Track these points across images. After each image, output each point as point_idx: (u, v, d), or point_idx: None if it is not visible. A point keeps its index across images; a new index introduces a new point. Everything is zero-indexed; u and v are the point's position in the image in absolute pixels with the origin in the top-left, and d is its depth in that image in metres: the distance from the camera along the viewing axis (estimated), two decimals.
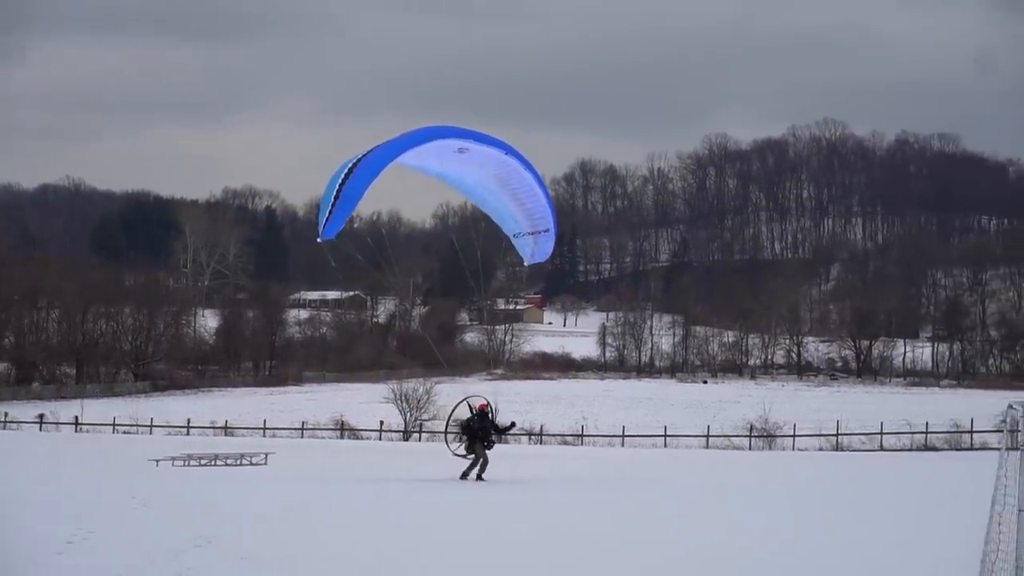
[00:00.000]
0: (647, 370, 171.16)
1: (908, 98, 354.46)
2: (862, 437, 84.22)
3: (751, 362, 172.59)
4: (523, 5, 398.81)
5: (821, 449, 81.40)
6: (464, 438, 38.67)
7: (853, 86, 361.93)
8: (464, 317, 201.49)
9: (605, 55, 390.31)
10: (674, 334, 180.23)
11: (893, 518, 31.70)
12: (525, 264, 32.04)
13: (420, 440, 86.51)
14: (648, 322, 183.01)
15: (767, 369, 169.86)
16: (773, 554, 24.23)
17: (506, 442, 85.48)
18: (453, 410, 40.42)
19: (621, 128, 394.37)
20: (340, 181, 25.57)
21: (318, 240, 26.41)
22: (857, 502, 36.65)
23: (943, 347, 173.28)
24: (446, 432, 40.22)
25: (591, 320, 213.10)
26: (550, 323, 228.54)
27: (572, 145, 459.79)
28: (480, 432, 38.07)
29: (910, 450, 79.85)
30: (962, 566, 19.76)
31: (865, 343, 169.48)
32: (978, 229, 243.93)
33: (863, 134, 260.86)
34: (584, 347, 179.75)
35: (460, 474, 38.44)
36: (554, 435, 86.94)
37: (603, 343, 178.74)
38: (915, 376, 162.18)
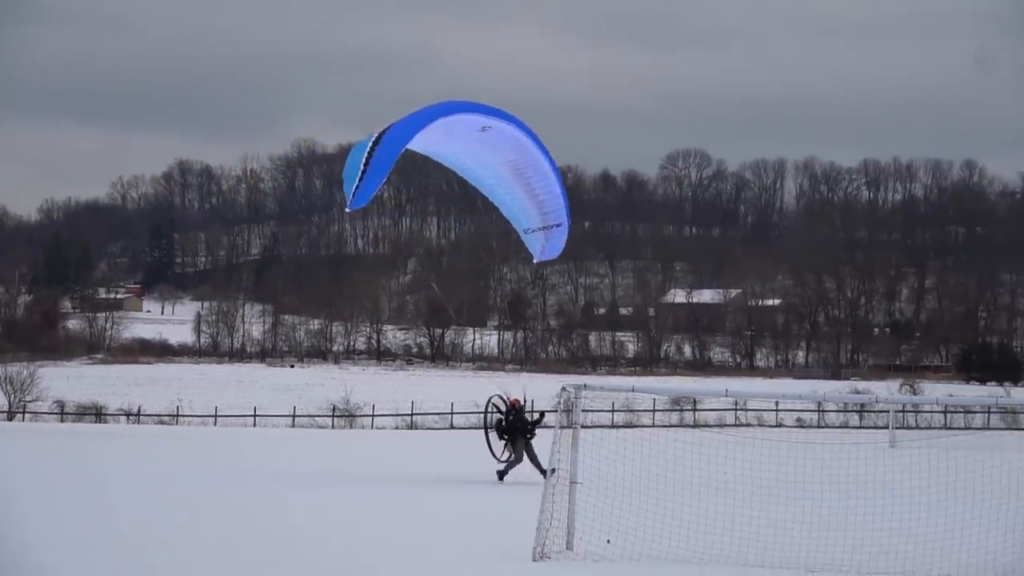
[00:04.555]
0: (239, 355, 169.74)
1: None
2: (435, 416, 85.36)
3: (335, 348, 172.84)
4: (116, 16, 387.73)
5: (397, 428, 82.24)
6: (505, 440, 34.74)
7: (423, 96, 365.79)
8: (67, 305, 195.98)
9: (195, 63, 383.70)
10: (264, 322, 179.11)
11: (458, 491, 32.23)
12: (534, 260, 27.99)
13: (24, 420, 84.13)
14: (240, 311, 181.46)
15: (349, 354, 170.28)
16: (347, 529, 24.36)
17: (106, 421, 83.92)
18: (486, 416, 36.13)
19: (216, 131, 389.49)
20: (369, 149, 22.91)
21: (347, 210, 23.93)
22: (426, 477, 37.16)
23: (508, 335, 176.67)
24: (488, 439, 35.01)
25: (188, 309, 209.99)
26: (148, 311, 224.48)
27: (170, 147, 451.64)
28: (519, 428, 34.54)
29: (478, 428, 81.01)
30: (521, 531, 20.24)
31: (438, 331, 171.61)
32: None
33: None
34: (180, 334, 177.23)
35: (532, 473, 33.70)
36: (151, 415, 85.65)
37: (198, 330, 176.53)
38: (483, 361, 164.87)
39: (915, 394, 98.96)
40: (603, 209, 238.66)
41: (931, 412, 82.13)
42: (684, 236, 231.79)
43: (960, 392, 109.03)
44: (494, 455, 34.70)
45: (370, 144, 22.90)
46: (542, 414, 36.87)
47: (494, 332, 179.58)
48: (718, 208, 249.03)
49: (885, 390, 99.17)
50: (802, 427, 76.25)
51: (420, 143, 24.37)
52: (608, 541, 20.18)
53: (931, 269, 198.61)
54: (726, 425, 76.49)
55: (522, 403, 35.72)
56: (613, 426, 71.65)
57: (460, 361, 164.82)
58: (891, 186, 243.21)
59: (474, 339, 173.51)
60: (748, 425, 76.90)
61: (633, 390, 24.48)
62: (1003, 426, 77.78)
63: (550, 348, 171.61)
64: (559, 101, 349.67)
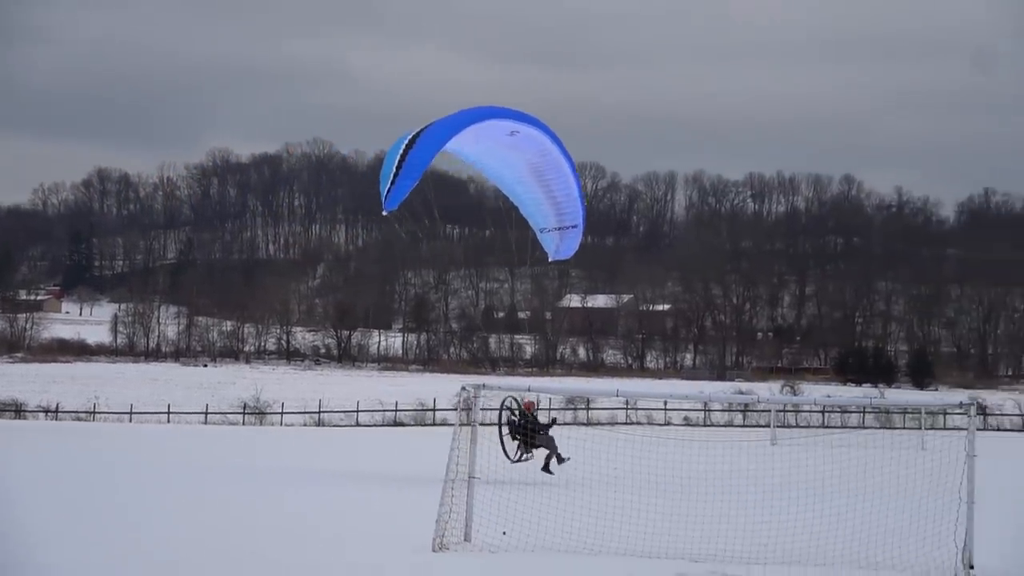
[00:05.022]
0: (155, 355, 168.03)
1: (383, 122, 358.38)
2: (341, 414, 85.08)
3: (247, 348, 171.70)
4: (40, 30, 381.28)
5: (305, 424, 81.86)
6: (519, 441, 33.31)
7: (338, 111, 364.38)
8: None
9: (115, 77, 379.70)
10: (179, 323, 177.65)
11: (366, 485, 32.11)
12: (549, 259, 27.49)
13: None
14: (156, 312, 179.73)
15: (260, 354, 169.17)
16: (257, 521, 24.21)
17: (25, 417, 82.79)
18: (500, 416, 33.93)
19: (134, 141, 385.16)
20: (402, 152, 22.46)
21: (383, 213, 23.21)
22: (335, 471, 37.00)
23: (412, 337, 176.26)
24: (501, 439, 33.41)
25: (105, 310, 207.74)
26: (68, 312, 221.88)
27: (90, 155, 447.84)
28: (532, 427, 33.25)
29: (382, 425, 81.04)
30: (424, 524, 20.19)
31: (345, 333, 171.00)
32: (443, 236, 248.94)
33: (347, 152, 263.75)
34: (98, 334, 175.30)
35: (556, 462, 33.14)
36: (69, 412, 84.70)
37: (115, 331, 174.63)
38: (388, 361, 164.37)
39: (795, 395, 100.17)
40: (503, 218, 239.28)
41: (810, 412, 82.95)
42: (580, 244, 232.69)
43: (837, 393, 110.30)
44: (507, 455, 33.91)
45: (403, 147, 22.42)
46: (554, 420, 36.43)
47: (398, 334, 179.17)
48: (612, 218, 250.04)
49: (767, 391, 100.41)
50: (689, 425, 76.60)
51: (451, 144, 23.87)
52: (504, 533, 20.23)
53: (811, 277, 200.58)
54: (617, 423, 76.74)
55: (535, 406, 35.13)
56: None
57: (366, 361, 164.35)
58: (775, 199, 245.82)
59: (379, 341, 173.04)
60: (638, 423, 77.10)
61: (529, 389, 24.46)
62: (877, 425, 78.67)
63: (452, 349, 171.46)
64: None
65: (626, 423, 77.53)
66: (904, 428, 72.98)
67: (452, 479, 19.75)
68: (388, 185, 22.17)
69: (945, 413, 75.03)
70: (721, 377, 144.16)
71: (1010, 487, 33.88)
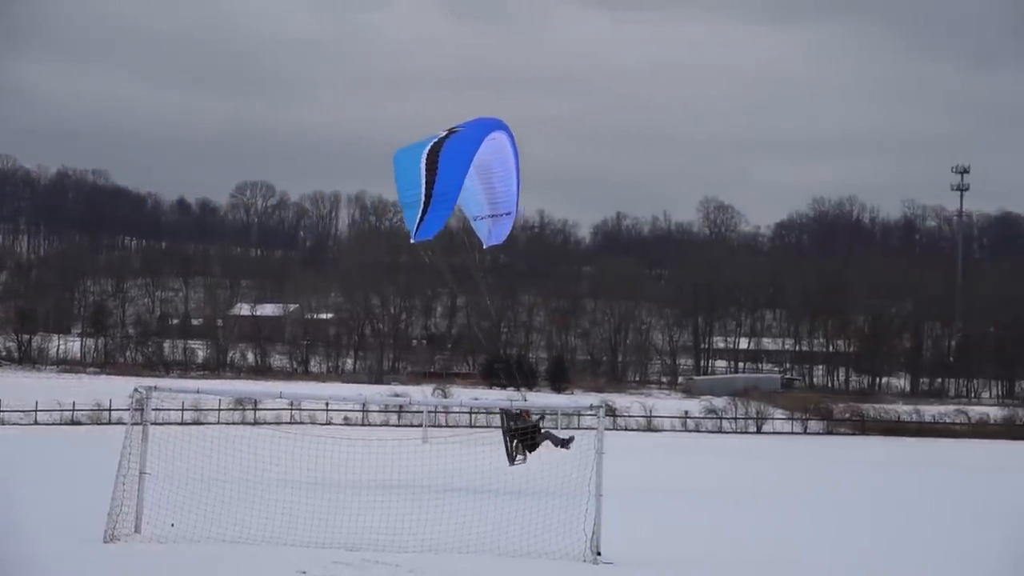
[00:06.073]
0: None
1: (65, 139, 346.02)
2: (20, 413, 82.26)
3: None
4: None
5: None
6: (518, 444, 32.31)
7: (20, 126, 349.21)
8: None
9: None
10: None
11: (42, 481, 31.08)
12: (484, 247, 25.87)
13: None
14: None
15: None
16: None
17: None
18: (503, 421, 32.89)
19: None
20: (426, 179, 20.89)
21: (411, 241, 21.36)
22: (11, 467, 35.74)
23: (91, 341, 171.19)
24: (507, 447, 31.02)
25: None
26: None
27: None
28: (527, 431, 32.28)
29: (60, 424, 78.71)
30: (94, 516, 19.59)
31: (26, 336, 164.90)
32: (122, 247, 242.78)
33: (31, 167, 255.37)
34: None
35: (562, 444, 32.35)
36: None
37: None
38: (67, 364, 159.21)
39: (446, 397, 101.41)
40: (179, 230, 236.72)
41: (459, 412, 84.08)
42: (251, 256, 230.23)
43: (484, 396, 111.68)
44: (510, 460, 33.00)
45: (423, 170, 21.02)
46: (538, 423, 35.90)
47: (78, 338, 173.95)
48: (281, 233, 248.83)
49: (420, 393, 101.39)
50: (348, 425, 76.62)
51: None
52: (172, 525, 19.90)
53: (462, 289, 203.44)
54: (283, 423, 76.09)
55: (530, 413, 34.70)
56: (182, 423, 70.12)
57: (46, 364, 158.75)
58: None
59: (59, 344, 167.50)
60: (302, 423, 76.71)
61: (199, 391, 24.08)
62: None
63: (128, 353, 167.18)
64: (144, 134, 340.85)
65: (291, 423, 76.99)
66: None
67: (124, 474, 19.29)
68: (419, 214, 20.88)
69: (579, 414, 77.08)
70: (379, 381, 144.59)
71: (635, 481, 35.08)
